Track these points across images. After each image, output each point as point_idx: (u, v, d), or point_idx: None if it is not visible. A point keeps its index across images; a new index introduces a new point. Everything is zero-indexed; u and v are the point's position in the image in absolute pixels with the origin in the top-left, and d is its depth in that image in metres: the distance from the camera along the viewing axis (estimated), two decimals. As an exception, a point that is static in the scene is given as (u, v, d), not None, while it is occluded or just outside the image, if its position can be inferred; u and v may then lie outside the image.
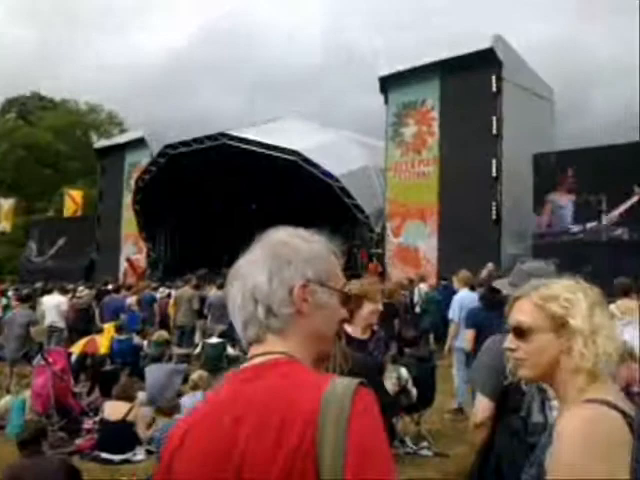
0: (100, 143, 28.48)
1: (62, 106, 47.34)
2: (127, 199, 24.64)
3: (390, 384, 4.69)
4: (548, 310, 1.54)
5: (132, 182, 23.88)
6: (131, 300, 12.84)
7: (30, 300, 9.36)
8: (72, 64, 72.62)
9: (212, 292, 12.30)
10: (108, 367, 8.19)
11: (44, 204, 39.99)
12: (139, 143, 24.84)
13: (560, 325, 1.52)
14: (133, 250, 25.37)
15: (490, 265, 12.46)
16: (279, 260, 1.16)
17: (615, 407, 1.39)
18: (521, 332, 1.56)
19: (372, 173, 19.67)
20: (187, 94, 72.68)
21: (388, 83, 18.52)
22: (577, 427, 1.38)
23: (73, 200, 33.37)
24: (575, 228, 15.65)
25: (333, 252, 1.24)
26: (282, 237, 1.21)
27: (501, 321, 5.06)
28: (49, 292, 12.47)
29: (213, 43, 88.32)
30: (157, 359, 8.30)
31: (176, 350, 9.90)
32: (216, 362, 8.41)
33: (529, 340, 1.55)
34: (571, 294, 1.54)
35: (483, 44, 16.27)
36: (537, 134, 17.08)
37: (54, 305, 11.24)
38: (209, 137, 20.35)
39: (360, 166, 19.40)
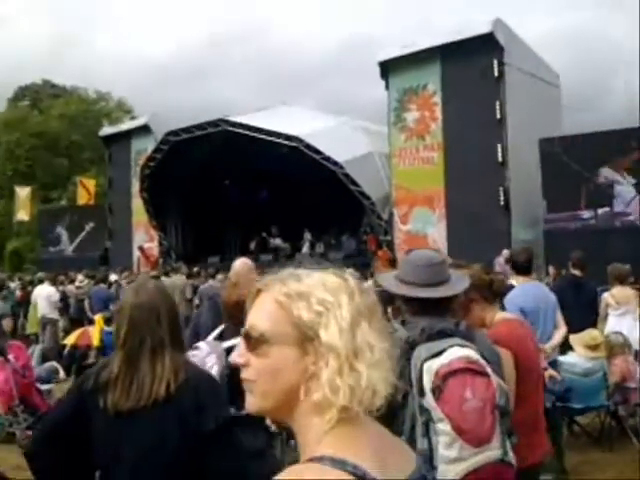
0: (105, 130, 28.50)
1: (73, 94, 47.49)
2: (136, 187, 24.75)
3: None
4: (292, 313, 1.03)
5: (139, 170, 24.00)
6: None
7: (2, 290, 8.92)
8: (84, 52, 72.65)
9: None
10: (91, 360, 8.18)
11: (58, 193, 40.34)
12: (144, 130, 24.94)
13: (307, 338, 1.02)
14: (144, 238, 25.57)
15: (505, 252, 12.36)
16: None
17: (355, 474, 0.93)
18: (253, 341, 1.05)
19: (377, 159, 19.62)
20: (197, 82, 72.42)
21: (388, 68, 18.43)
22: None
23: (86, 189, 33.50)
24: (586, 214, 15.60)
25: None
26: None
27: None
28: (41, 282, 12.42)
29: (225, 33, 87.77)
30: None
31: None
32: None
33: (263, 354, 1.04)
34: (330, 294, 1.03)
35: (483, 29, 16.08)
36: (543, 119, 16.93)
37: (45, 296, 11.20)
38: (210, 123, 20.37)
39: (364, 152, 19.36)
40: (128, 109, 44.71)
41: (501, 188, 16.40)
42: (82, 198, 33.22)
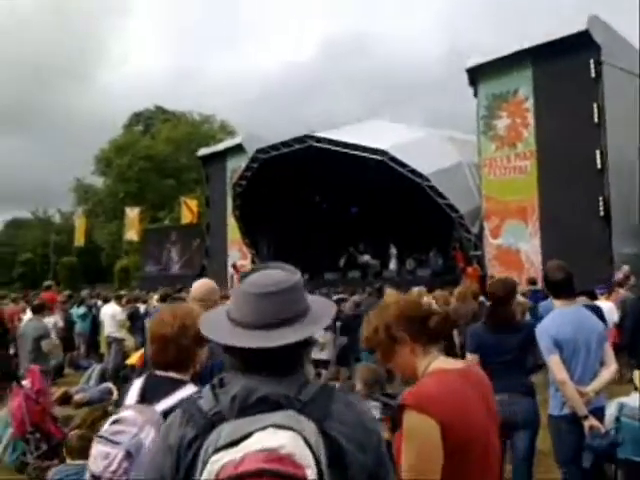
0: (203, 151, 29.31)
1: (180, 118, 49.66)
2: (231, 206, 25.20)
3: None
4: None
5: (233, 188, 24.35)
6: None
7: (43, 310, 8.86)
8: (195, 79, 76.31)
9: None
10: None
11: (165, 213, 42.12)
12: (239, 149, 25.33)
13: None
14: (238, 256, 25.96)
15: (625, 268, 11.53)
16: None
17: None
18: None
19: (466, 170, 18.77)
20: (299, 103, 73.90)
21: (476, 75, 17.59)
22: None
23: (189, 209, 34.70)
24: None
25: None
26: None
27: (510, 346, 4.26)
28: (107, 301, 12.66)
29: (329, 55, 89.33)
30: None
31: None
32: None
33: None
34: None
35: (578, 26, 14.96)
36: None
37: (110, 315, 11.36)
38: (296, 139, 20.32)
39: (452, 163, 18.56)
40: (231, 130, 46.05)
41: (601, 198, 15.09)
42: (186, 218, 34.42)
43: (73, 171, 56.32)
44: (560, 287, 4.06)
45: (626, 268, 11.23)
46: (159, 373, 2.37)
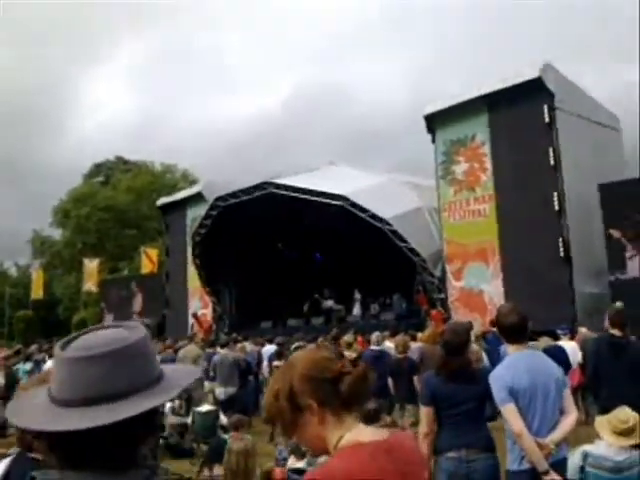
0: (162, 200, 29.02)
1: (140, 168, 49.36)
2: (191, 255, 24.82)
3: None
4: None
5: (193, 237, 24.02)
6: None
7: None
8: (157, 129, 76.42)
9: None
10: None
11: (125, 264, 41.30)
12: (199, 197, 25.09)
13: None
14: (199, 305, 25.46)
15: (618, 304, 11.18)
16: None
17: None
18: None
19: (426, 214, 18.87)
20: (268, 153, 74.33)
21: (434, 121, 17.84)
22: None
23: (149, 258, 34.20)
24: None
25: None
26: None
27: (467, 396, 3.97)
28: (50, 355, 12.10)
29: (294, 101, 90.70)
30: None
31: (169, 419, 9.12)
32: (206, 433, 7.61)
33: None
34: None
35: (531, 74, 15.35)
36: (602, 164, 15.83)
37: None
38: (256, 187, 20.25)
39: (412, 207, 18.68)
40: (193, 179, 45.83)
41: (560, 239, 15.24)
42: (146, 267, 33.85)
43: (31, 223, 55.13)
44: (513, 331, 3.76)
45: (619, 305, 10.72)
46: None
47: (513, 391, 3.52)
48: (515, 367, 3.63)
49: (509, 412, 3.52)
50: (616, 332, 5.54)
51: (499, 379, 3.60)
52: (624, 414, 4.32)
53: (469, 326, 4.89)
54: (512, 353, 3.75)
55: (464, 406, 3.92)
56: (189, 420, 8.42)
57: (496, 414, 4.21)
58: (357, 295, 20.99)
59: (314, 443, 1.68)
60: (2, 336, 39.95)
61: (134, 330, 1.23)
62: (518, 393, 3.52)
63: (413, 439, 1.79)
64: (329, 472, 1.52)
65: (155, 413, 1.20)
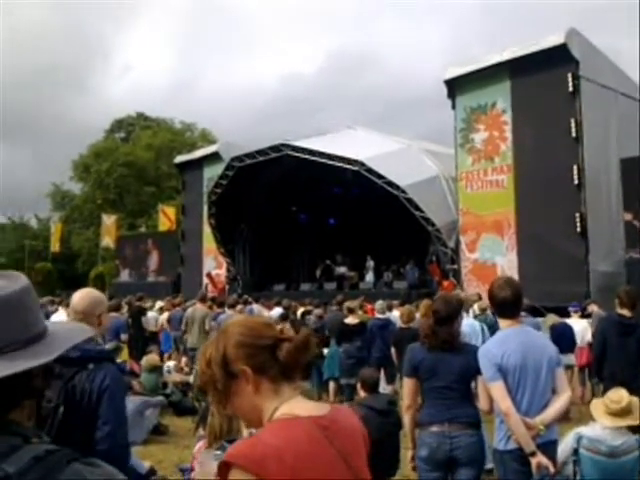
0: (180, 158, 28.95)
1: (161, 125, 49.19)
2: (207, 214, 24.82)
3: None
4: None
5: (209, 196, 23.94)
6: (162, 318, 12.44)
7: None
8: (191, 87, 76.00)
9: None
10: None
11: (143, 221, 41.53)
12: (215, 157, 24.96)
13: None
14: (213, 265, 25.54)
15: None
16: None
17: None
18: None
19: (443, 183, 18.57)
20: (289, 118, 73.59)
21: (454, 87, 17.42)
22: None
23: (167, 216, 34.31)
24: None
25: None
26: None
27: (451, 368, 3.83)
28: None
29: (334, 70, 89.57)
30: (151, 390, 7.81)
31: (173, 377, 9.16)
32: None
33: None
34: None
35: (555, 40, 14.85)
36: (625, 137, 15.38)
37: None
38: (272, 148, 20.03)
39: (430, 176, 18.39)
40: (212, 139, 45.62)
41: (577, 214, 14.94)
42: (164, 225, 33.97)
43: (52, 176, 55.39)
44: (506, 306, 3.55)
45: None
46: None
47: (502, 368, 3.36)
48: (506, 343, 3.45)
49: (497, 390, 3.37)
50: (625, 312, 5.40)
51: (488, 355, 3.44)
52: (617, 395, 4.21)
53: (461, 298, 4.69)
54: (504, 329, 3.57)
55: (448, 378, 3.74)
56: (191, 379, 8.49)
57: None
58: (370, 262, 20.86)
59: (249, 414, 1.55)
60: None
61: (13, 279, 1.13)
62: (507, 370, 3.36)
63: (355, 416, 1.63)
64: (256, 445, 1.37)
65: (34, 375, 1.09)
